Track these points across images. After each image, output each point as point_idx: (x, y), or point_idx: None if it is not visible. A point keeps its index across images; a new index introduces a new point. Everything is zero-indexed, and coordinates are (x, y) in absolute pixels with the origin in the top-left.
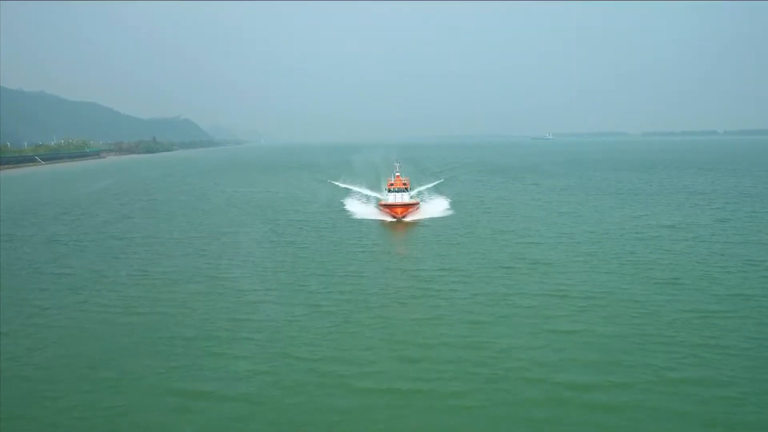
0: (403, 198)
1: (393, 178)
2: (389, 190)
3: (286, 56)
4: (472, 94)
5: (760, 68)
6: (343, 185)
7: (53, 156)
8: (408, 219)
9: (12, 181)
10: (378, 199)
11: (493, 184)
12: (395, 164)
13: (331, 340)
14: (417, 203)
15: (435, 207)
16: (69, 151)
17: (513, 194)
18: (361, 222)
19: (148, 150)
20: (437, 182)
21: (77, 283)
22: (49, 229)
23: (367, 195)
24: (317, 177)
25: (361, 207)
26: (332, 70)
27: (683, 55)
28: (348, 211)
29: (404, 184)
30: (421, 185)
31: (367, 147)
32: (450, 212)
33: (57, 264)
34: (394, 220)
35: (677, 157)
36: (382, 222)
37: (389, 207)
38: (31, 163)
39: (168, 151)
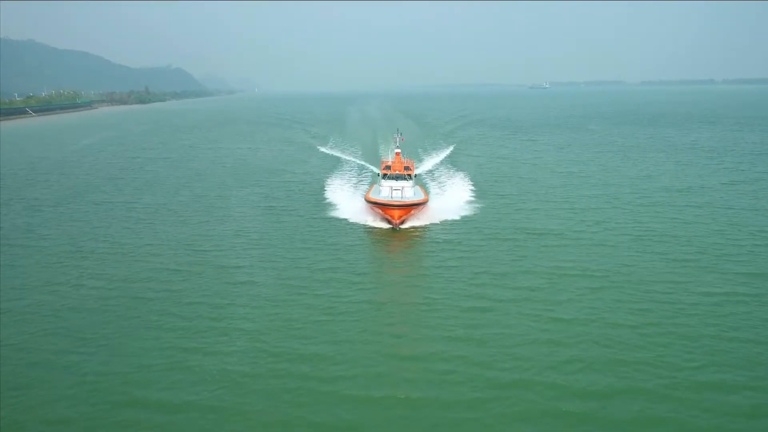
0: (404, 192)
1: (391, 158)
2: (384, 176)
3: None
4: (468, 42)
5: (759, 17)
6: (331, 152)
7: (45, 108)
8: (412, 224)
9: (2, 135)
10: (371, 183)
11: (514, 148)
12: (395, 136)
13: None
14: (424, 200)
15: (451, 199)
16: (61, 103)
17: (548, 164)
18: (340, 229)
19: (141, 101)
20: (449, 149)
21: (49, 259)
22: (27, 193)
23: (359, 167)
24: (304, 138)
25: (348, 197)
26: (331, 18)
27: (681, 4)
28: (328, 204)
29: (407, 168)
30: (429, 154)
31: (362, 97)
32: (475, 207)
33: (32, 235)
34: (390, 227)
35: (679, 109)
36: (370, 230)
37: (383, 207)
38: (22, 115)
39: (161, 101)
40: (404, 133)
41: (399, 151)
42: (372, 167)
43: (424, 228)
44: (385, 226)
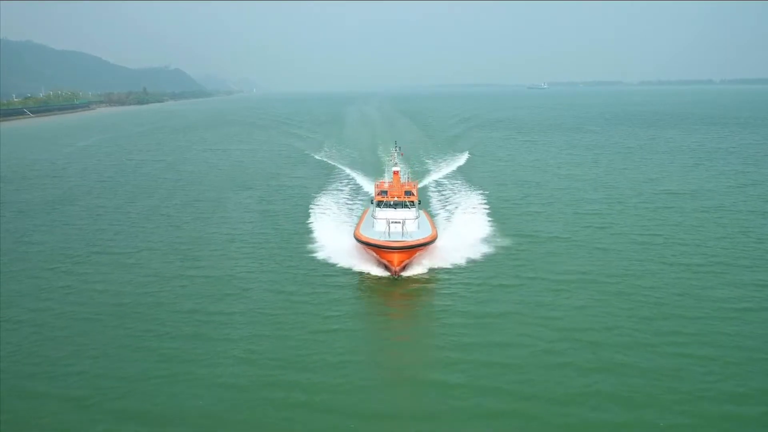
0: (406, 226)
1: (387, 180)
2: (379, 204)
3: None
4: (466, 42)
5: (757, 17)
6: (324, 159)
7: (42, 108)
8: (416, 271)
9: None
10: (364, 209)
11: (532, 153)
12: (393, 149)
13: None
14: (431, 237)
15: (465, 229)
16: (58, 103)
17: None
18: (323, 278)
19: (139, 101)
20: (457, 157)
21: (38, 266)
22: (18, 197)
23: (356, 188)
24: (294, 142)
25: (336, 227)
26: (329, 17)
27: (680, 5)
28: (311, 239)
29: (408, 192)
30: (437, 164)
31: (360, 97)
32: (497, 242)
33: (20, 241)
34: (388, 274)
35: (680, 110)
36: (361, 279)
37: (378, 250)
38: (20, 116)
39: (159, 102)
40: (404, 133)
41: (398, 169)
42: (367, 186)
43: (431, 275)
44: (382, 273)
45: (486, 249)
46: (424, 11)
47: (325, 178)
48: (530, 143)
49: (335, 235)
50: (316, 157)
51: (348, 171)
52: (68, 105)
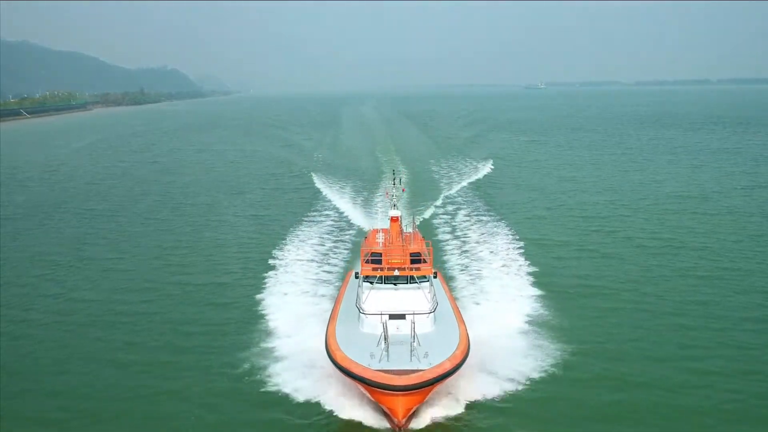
0: (417, 326)
1: (381, 233)
2: (369, 281)
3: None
4: (463, 42)
5: (753, 17)
6: (319, 184)
7: (39, 109)
8: (431, 413)
9: None
10: (343, 284)
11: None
12: (391, 185)
13: None
14: (460, 357)
15: (505, 317)
16: (55, 104)
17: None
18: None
19: (135, 102)
20: (472, 176)
21: (21, 273)
22: (8, 199)
23: (343, 221)
24: (280, 153)
25: (309, 324)
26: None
27: (675, 4)
28: (266, 351)
29: (416, 257)
30: (445, 179)
31: (356, 98)
32: (557, 333)
33: (5, 247)
34: (387, 426)
35: (680, 110)
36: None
37: (370, 388)
38: (16, 117)
39: (155, 102)
40: (404, 134)
41: (398, 215)
42: (357, 218)
43: (463, 418)
44: (378, 420)
45: (546, 348)
46: (424, 11)
47: (307, 203)
48: (556, 149)
49: (305, 324)
50: (303, 168)
51: (338, 189)
52: (65, 106)
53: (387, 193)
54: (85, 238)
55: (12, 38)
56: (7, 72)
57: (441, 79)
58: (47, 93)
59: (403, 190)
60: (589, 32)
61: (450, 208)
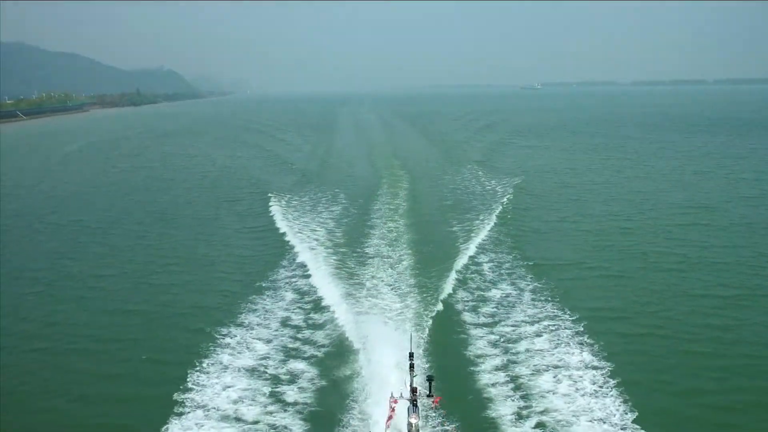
0: None
1: None
2: None
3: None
4: (461, 42)
5: (750, 18)
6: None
7: (35, 110)
8: None
9: None
10: None
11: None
12: (409, 371)
13: None
14: None
15: None
16: (51, 105)
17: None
18: None
19: (132, 102)
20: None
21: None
22: None
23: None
24: (272, 174)
25: None
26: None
27: (673, 5)
28: None
29: None
30: (478, 211)
31: (355, 99)
32: None
33: None
34: None
35: (679, 111)
36: None
37: None
38: (12, 119)
39: (152, 103)
40: (404, 138)
41: (416, 422)
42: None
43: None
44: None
45: None
46: (422, 11)
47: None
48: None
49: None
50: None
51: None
52: (61, 107)
53: (395, 401)
54: (70, 253)
55: (7, 39)
56: (3, 73)
57: (436, 80)
58: (43, 94)
59: (435, 402)
60: (585, 33)
61: (476, 280)
